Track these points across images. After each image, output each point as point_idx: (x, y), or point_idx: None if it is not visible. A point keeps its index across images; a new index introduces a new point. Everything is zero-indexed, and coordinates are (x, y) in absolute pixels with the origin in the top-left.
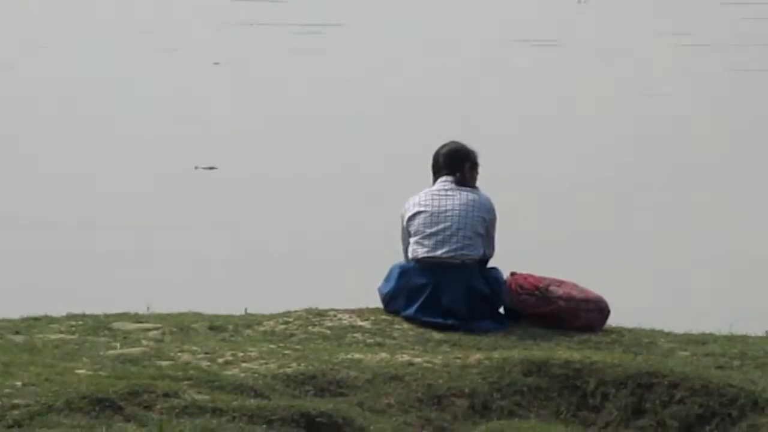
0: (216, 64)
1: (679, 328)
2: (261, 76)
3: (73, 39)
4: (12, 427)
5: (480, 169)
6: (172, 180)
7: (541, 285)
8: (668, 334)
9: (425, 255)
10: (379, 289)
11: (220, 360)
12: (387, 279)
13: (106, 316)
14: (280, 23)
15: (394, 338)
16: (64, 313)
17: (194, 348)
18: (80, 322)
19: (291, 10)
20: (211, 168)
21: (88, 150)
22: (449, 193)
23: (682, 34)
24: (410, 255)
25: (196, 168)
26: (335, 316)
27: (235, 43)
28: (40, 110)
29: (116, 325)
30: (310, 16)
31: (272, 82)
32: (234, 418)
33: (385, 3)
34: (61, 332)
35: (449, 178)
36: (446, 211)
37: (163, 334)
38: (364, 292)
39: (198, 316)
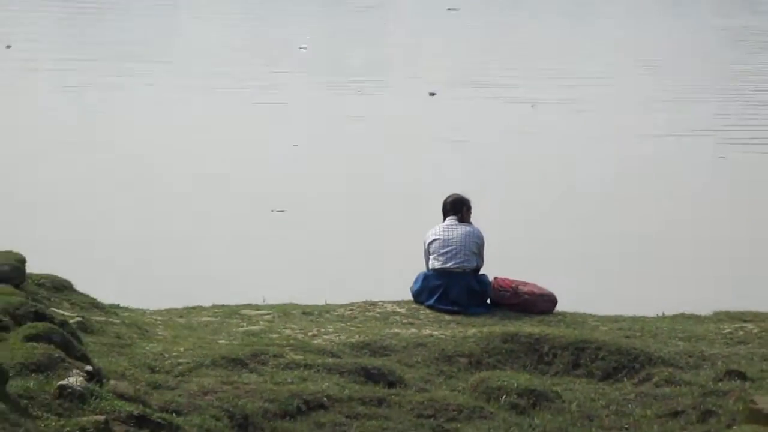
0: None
1: (600, 311)
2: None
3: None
4: (178, 376)
5: (472, 211)
6: (253, 220)
7: (513, 285)
8: (594, 315)
9: (440, 266)
10: (411, 289)
11: (310, 333)
12: (415, 281)
13: (237, 306)
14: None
15: (420, 319)
16: (210, 304)
17: (293, 326)
18: (220, 310)
19: None
20: (282, 211)
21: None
22: (454, 227)
23: None
24: (430, 266)
25: (271, 211)
26: (383, 305)
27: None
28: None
29: (243, 311)
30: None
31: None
32: (319, 370)
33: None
34: (209, 316)
35: (454, 217)
36: (453, 238)
37: (273, 317)
38: (402, 290)
39: (295, 306)
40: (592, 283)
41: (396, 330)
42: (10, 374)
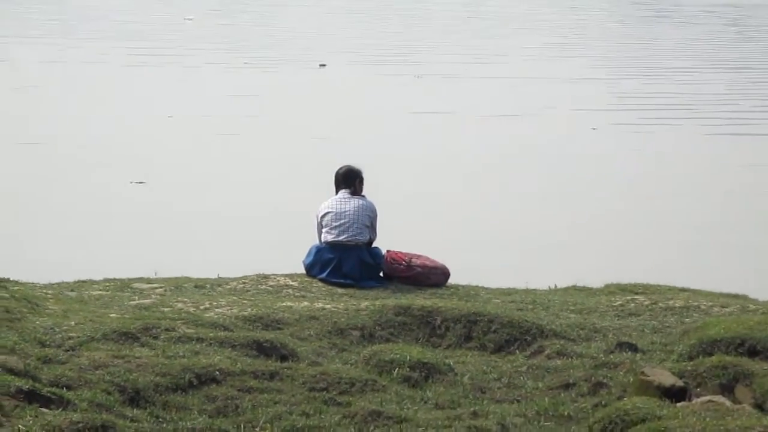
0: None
1: (493, 284)
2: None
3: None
4: (68, 350)
5: (365, 183)
6: (115, 191)
7: (406, 258)
8: (486, 288)
9: (332, 240)
10: (303, 262)
11: (202, 307)
12: (308, 255)
13: (129, 279)
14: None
15: (313, 293)
16: (102, 278)
17: (185, 299)
18: (112, 284)
19: None
20: (141, 182)
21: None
22: (347, 200)
23: None
24: (322, 239)
25: (131, 183)
26: (275, 278)
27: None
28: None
29: (135, 285)
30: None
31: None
32: (211, 344)
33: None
34: (100, 290)
35: (346, 190)
36: (345, 211)
37: (165, 290)
38: (295, 263)
39: (187, 279)
40: (485, 256)
41: (288, 303)
42: None
